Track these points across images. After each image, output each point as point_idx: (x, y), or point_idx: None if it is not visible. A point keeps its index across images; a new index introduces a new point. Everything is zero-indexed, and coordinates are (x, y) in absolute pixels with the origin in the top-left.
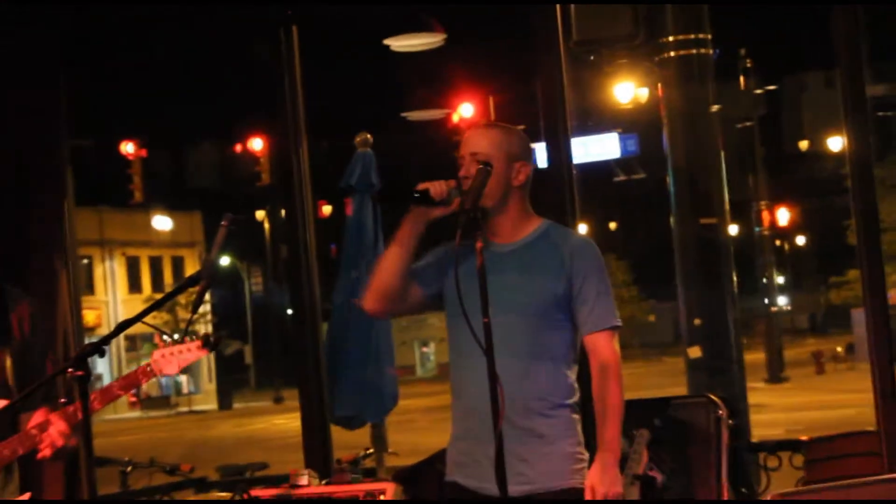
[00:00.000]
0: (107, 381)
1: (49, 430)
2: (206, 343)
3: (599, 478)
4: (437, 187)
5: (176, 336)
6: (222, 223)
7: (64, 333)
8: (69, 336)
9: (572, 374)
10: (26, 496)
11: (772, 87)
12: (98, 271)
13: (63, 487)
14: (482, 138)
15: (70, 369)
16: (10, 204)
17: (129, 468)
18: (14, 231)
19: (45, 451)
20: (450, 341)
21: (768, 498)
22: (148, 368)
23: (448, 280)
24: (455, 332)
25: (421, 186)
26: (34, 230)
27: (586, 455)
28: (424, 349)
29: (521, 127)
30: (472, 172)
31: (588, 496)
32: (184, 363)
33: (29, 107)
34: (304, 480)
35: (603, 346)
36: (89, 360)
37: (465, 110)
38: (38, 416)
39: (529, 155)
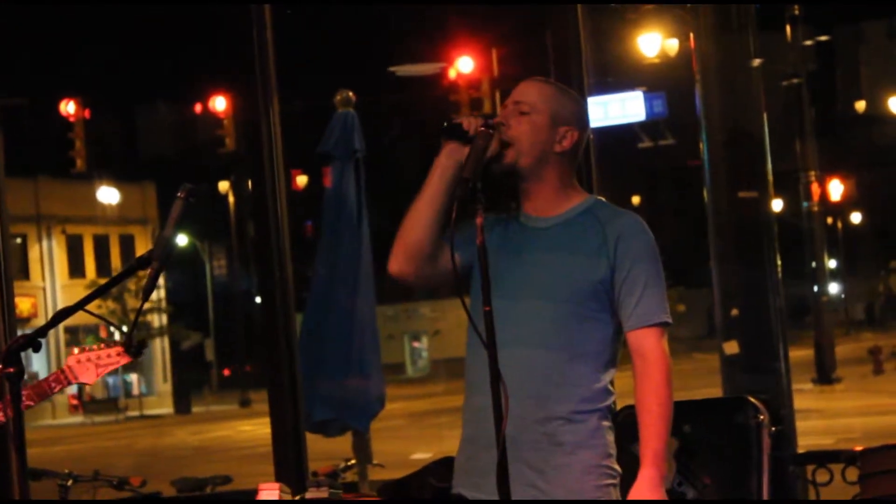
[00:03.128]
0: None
1: None
2: (128, 348)
3: (642, 496)
4: (471, 121)
5: (124, 328)
6: (179, 195)
7: None
8: None
9: (606, 376)
10: None
11: (823, 39)
12: (33, 252)
13: None
14: (531, 88)
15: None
16: None
17: (70, 482)
18: None
19: None
20: (468, 329)
21: None
22: (62, 375)
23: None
24: (473, 315)
25: (456, 119)
26: None
27: (616, 470)
28: (416, 344)
29: None
30: (510, 122)
31: None
32: (103, 371)
33: None
34: (273, 496)
35: (650, 345)
36: (23, 354)
37: (463, 65)
38: None
39: (581, 123)
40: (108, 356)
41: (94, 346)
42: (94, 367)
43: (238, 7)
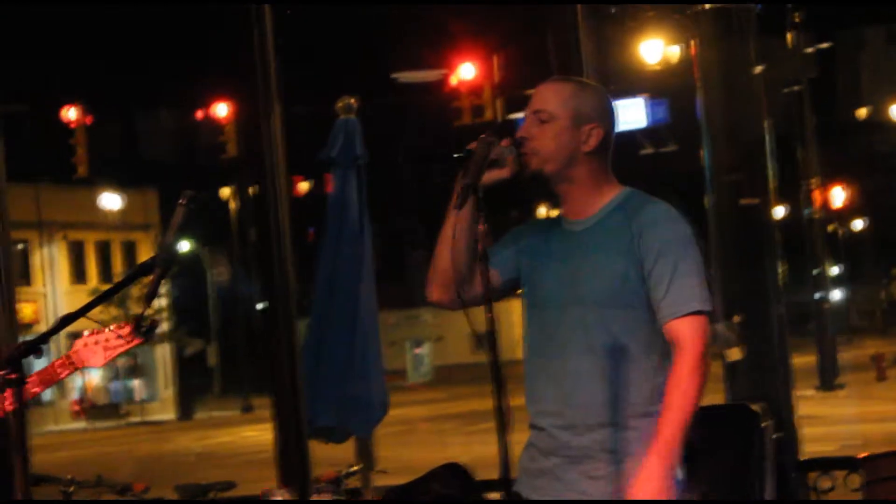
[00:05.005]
0: None
1: None
2: (137, 329)
3: (639, 487)
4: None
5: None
6: (180, 201)
7: None
8: (1, 333)
9: (658, 378)
10: None
11: (825, 46)
12: (36, 258)
13: None
14: (549, 93)
15: (1, 371)
16: None
17: (72, 488)
18: None
19: None
20: (522, 337)
21: None
22: (69, 361)
23: (524, 265)
24: (526, 325)
25: (470, 146)
26: None
27: (678, 475)
28: (418, 350)
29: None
30: (532, 133)
31: None
32: (112, 354)
33: None
34: (277, 502)
35: (682, 335)
36: (24, 361)
37: (465, 71)
38: None
39: (606, 116)
40: (118, 338)
41: (103, 329)
42: (101, 350)
43: (239, 13)
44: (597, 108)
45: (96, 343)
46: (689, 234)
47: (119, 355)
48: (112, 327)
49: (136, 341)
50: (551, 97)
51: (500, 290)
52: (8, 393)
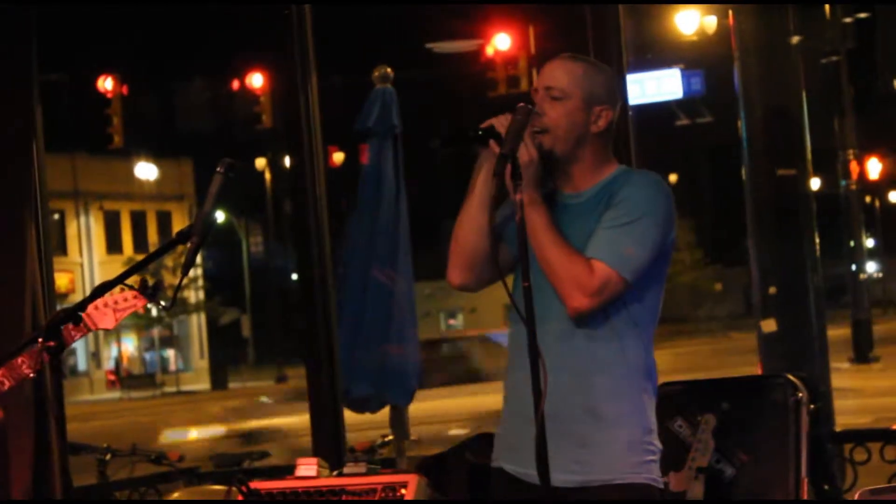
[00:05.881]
0: (80, 353)
1: None
2: (143, 290)
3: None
4: (503, 121)
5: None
6: (218, 170)
7: (33, 299)
8: (38, 302)
9: (642, 346)
10: None
11: (863, 15)
12: (72, 228)
13: (32, 477)
14: (561, 71)
15: (41, 339)
16: None
17: (108, 456)
18: None
19: None
20: (509, 307)
21: (856, 496)
22: (80, 323)
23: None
24: (513, 291)
25: (485, 124)
26: None
27: (657, 446)
28: (452, 321)
29: None
30: (543, 109)
31: None
32: (121, 315)
33: None
34: (311, 471)
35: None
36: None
37: (500, 41)
38: None
39: (614, 99)
40: (125, 300)
41: (114, 292)
42: (111, 311)
43: None
44: (607, 89)
45: (105, 305)
46: (659, 205)
47: (128, 316)
48: (120, 289)
49: (142, 301)
50: (564, 75)
51: (512, 263)
52: (22, 357)
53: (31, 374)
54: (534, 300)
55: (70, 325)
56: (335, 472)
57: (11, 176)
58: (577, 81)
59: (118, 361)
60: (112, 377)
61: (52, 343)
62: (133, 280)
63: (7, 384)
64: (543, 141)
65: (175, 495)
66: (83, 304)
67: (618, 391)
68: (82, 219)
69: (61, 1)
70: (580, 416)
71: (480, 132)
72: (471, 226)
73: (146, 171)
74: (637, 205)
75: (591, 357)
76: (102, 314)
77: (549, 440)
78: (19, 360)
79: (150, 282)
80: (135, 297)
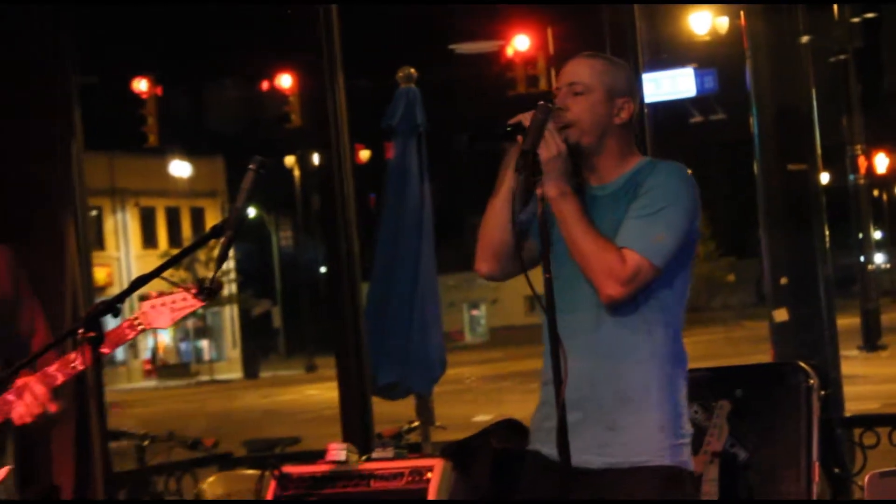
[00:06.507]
0: None
1: (24, 395)
2: (201, 291)
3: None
4: (527, 116)
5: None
6: (250, 167)
7: (73, 292)
8: (78, 295)
9: (671, 332)
10: (4, 470)
11: (870, 15)
12: (108, 224)
13: (74, 462)
14: (583, 67)
15: (81, 330)
16: (11, 148)
17: (146, 442)
18: (16, 177)
19: (24, 418)
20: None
21: (866, 479)
22: (136, 322)
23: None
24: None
25: (513, 120)
26: (39, 177)
27: (687, 430)
28: (474, 312)
29: None
30: (567, 104)
31: None
32: (178, 315)
33: (30, 36)
34: (342, 455)
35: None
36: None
37: (519, 42)
38: (18, 381)
39: (635, 91)
40: (184, 300)
41: (169, 292)
42: (168, 312)
43: None
44: (627, 82)
45: (163, 305)
46: (684, 194)
47: (184, 317)
48: (178, 290)
49: (199, 303)
50: (585, 71)
51: (536, 256)
52: (76, 354)
53: (82, 369)
54: (564, 290)
55: (125, 324)
56: (364, 457)
57: (52, 174)
58: (599, 76)
59: (154, 351)
60: (149, 366)
61: (91, 333)
62: (170, 274)
63: (60, 378)
64: (570, 135)
65: (210, 480)
66: (122, 297)
67: (646, 376)
68: (119, 215)
69: (97, 6)
70: (610, 401)
71: (508, 128)
72: (496, 220)
73: (180, 168)
74: (663, 194)
75: (620, 344)
76: (159, 313)
77: (580, 424)
78: (71, 355)
79: (210, 284)
80: (193, 298)
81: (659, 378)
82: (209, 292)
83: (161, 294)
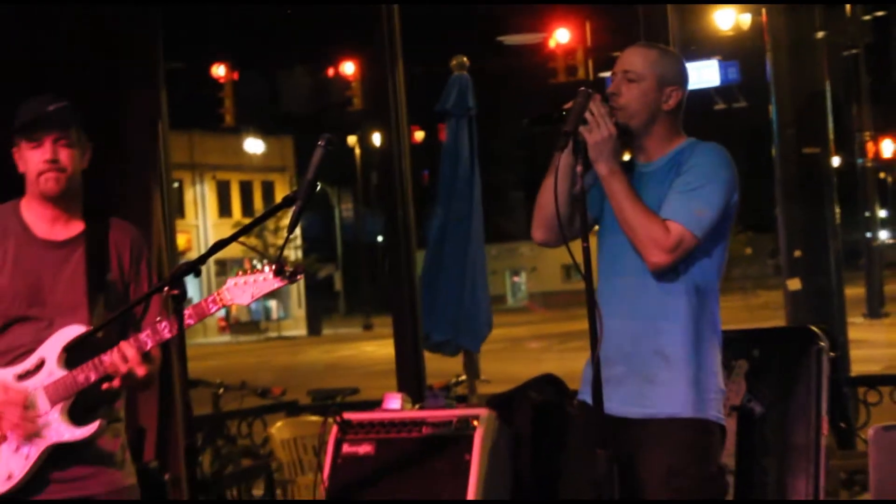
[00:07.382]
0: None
1: (116, 358)
2: (280, 272)
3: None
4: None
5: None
6: (319, 143)
7: (158, 254)
8: (164, 257)
9: (708, 296)
10: (96, 424)
11: (880, 13)
12: (189, 195)
13: (158, 407)
14: (636, 56)
15: (166, 288)
16: (105, 124)
17: (221, 390)
18: (115, 151)
19: (115, 381)
20: (597, 259)
21: (869, 432)
22: (218, 297)
23: (602, 201)
24: (598, 250)
25: (566, 105)
26: (133, 150)
27: (720, 388)
28: (515, 279)
29: None
30: (620, 90)
31: None
32: (258, 294)
33: (129, 26)
34: (397, 404)
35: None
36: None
37: (560, 35)
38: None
39: (683, 80)
40: (266, 279)
41: (252, 270)
42: (250, 290)
43: None
44: (678, 72)
45: (245, 283)
46: (723, 171)
47: (264, 297)
48: (262, 268)
49: (280, 283)
50: (639, 60)
51: (590, 225)
52: (166, 322)
53: (169, 337)
54: (614, 257)
55: (209, 299)
56: (417, 406)
57: (142, 150)
58: (651, 65)
59: (228, 310)
60: (223, 323)
61: (175, 291)
62: (244, 240)
63: (150, 343)
64: (620, 117)
65: (278, 425)
66: (202, 259)
67: (684, 335)
68: (198, 187)
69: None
70: (650, 357)
71: (564, 112)
72: (548, 197)
73: (253, 146)
74: (704, 171)
75: (660, 306)
76: (241, 291)
77: (622, 377)
78: (162, 324)
79: (289, 266)
80: (274, 279)
81: (696, 338)
82: (290, 275)
83: (243, 273)
